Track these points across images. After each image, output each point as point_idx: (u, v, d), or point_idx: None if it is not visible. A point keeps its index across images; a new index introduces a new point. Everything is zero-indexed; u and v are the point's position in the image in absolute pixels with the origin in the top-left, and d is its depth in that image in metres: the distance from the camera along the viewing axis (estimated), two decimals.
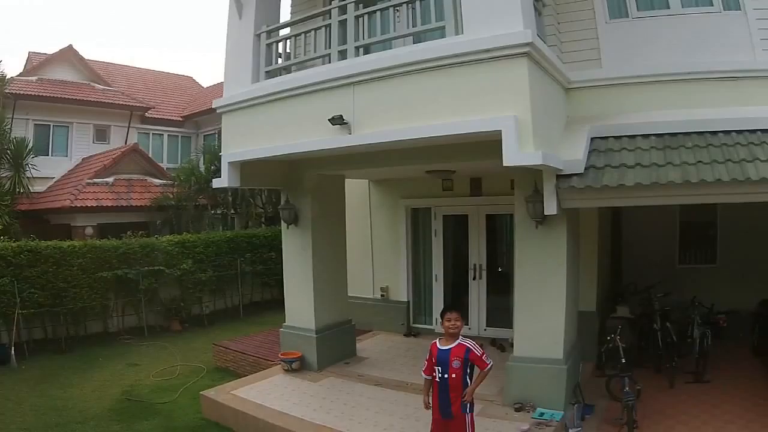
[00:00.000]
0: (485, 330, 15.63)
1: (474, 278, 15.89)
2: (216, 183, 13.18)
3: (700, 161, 9.17)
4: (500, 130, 8.40)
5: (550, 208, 9.73)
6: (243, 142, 12.09)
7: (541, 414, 10.39)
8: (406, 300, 16.98)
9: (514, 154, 8.38)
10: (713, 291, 14.07)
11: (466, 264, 16.04)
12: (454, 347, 8.19)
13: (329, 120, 10.02)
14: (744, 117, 9.97)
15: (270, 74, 11.95)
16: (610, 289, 15.34)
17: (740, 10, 10.66)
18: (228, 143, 12.54)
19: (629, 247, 16.70)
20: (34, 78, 29.76)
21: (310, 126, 10.68)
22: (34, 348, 16.59)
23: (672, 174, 9.01)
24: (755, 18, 10.50)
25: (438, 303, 16.38)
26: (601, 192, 9.38)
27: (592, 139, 10.36)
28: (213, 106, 12.97)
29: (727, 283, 14.82)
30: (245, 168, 12.36)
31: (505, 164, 8.44)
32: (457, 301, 15.86)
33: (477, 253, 15.84)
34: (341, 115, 9.97)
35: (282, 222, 13.99)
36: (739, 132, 9.84)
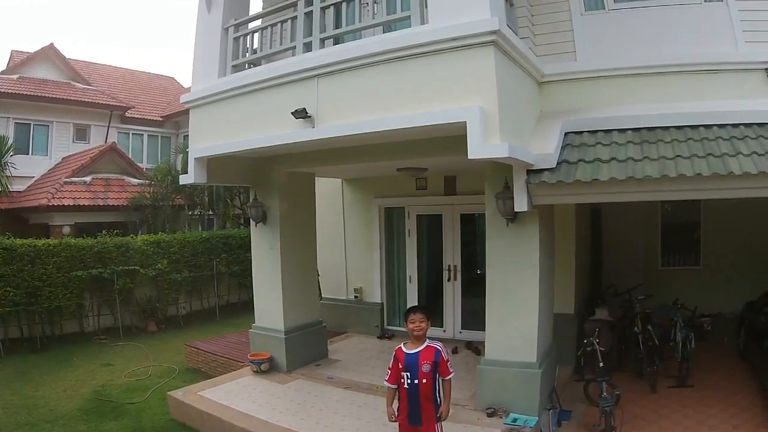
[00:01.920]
0: (460, 333, 15.30)
1: (449, 279, 15.52)
2: (182, 179, 12.85)
3: (679, 155, 8.73)
4: (465, 122, 7.99)
5: (521, 204, 9.33)
6: (208, 138, 11.72)
7: (515, 420, 9.97)
8: (380, 302, 16.63)
9: (479, 147, 7.96)
10: (697, 293, 13.77)
11: (441, 265, 15.69)
12: (423, 350, 7.70)
13: (292, 113, 9.62)
14: (726, 110, 9.56)
15: (237, 68, 11.58)
16: (589, 291, 15.01)
17: (722, 0, 10.23)
18: (195, 139, 12.19)
19: (610, 248, 16.32)
20: (15, 76, 29.47)
21: (274, 120, 10.30)
22: (9, 347, 16.35)
23: (649, 169, 8.58)
24: (737, 9, 10.07)
25: (412, 304, 15.72)
26: (573, 187, 8.92)
27: (566, 133, 9.94)
28: (181, 101, 12.61)
29: (711, 285, 14.59)
30: (212, 164, 12.01)
31: (469, 157, 8.02)
32: (431, 303, 15.62)
33: (451, 254, 15.46)
34: (304, 108, 9.58)
35: (250, 220, 13.66)
36: (721, 126, 9.42)
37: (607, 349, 11.27)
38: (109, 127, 31.80)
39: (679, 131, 9.51)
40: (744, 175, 8.05)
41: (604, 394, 9.69)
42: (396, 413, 7.86)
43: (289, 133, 10.05)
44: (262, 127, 10.64)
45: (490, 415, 10.26)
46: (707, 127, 9.48)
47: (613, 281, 14.42)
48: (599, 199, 10.00)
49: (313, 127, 9.69)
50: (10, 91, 27.86)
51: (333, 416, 10.71)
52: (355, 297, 16.70)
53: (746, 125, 9.27)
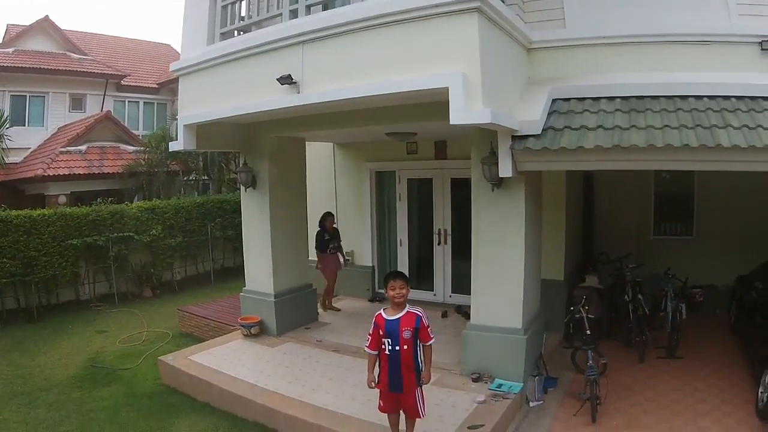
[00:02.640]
0: (450, 297, 15.40)
1: (439, 243, 15.57)
2: (172, 146, 12.85)
3: (667, 126, 8.63)
4: (447, 87, 7.94)
5: (505, 170, 9.32)
6: (197, 105, 11.67)
7: (499, 385, 10.05)
8: (371, 265, 16.71)
9: (461, 112, 7.92)
10: (690, 264, 13.75)
11: (432, 229, 15.72)
12: (403, 316, 7.70)
13: (277, 80, 9.60)
14: (717, 82, 9.39)
15: (225, 36, 11.51)
16: (580, 258, 14.99)
17: None
18: (184, 106, 12.15)
19: (602, 216, 16.24)
20: (10, 50, 29.23)
21: (260, 87, 10.23)
22: (6, 318, 16.39)
23: (636, 137, 8.50)
24: None
25: (403, 268, 15.89)
26: (558, 154, 8.86)
27: (553, 100, 9.84)
28: (170, 69, 12.56)
29: (704, 256, 14.56)
30: (201, 131, 11.98)
31: (451, 122, 7.98)
32: (421, 267, 15.67)
33: (442, 218, 15.50)
34: (290, 75, 9.55)
35: (240, 185, 13.64)
36: (711, 98, 9.27)
37: (596, 317, 11.26)
38: (104, 95, 31.59)
39: (668, 101, 9.38)
40: (733, 148, 7.96)
41: (590, 362, 9.72)
42: (377, 380, 7.90)
43: (275, 99, 9.99)
44: (248, 93, 10.57)
45: (475, 381, 10.33)
46: (697, 98, 9.33)
47: (604, 249, 14.41)
48: (585, 167, 9.96)
49: (299, 93, 9.65)
50: (5, 65, 27.67)
51: (320, 379, 10.80)
52: (347, 260, 16.65)
53: (738, 98, 9.12)
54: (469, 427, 8.80)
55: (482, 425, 8.83)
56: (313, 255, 15.31)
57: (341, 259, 15.57)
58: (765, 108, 8.69)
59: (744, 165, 8.24)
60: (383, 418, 8.44)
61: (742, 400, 9.64)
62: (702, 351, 11.95)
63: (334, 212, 16.29)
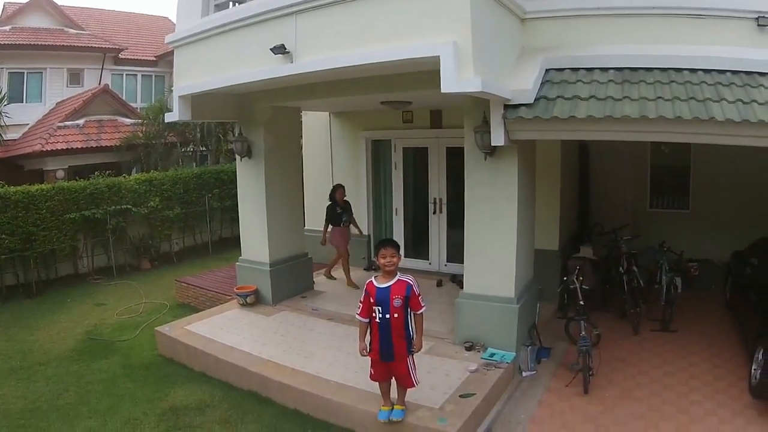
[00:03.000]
0: (445, 266, 15.41)
1: (434, 212, 15.56)
2: (168, 117, 12.91)
3: (660, 97, 8.54)
4: (438, 56, 7.92)
5: (498, 138, 9.28)
6: (192, 76, 11.67)
7: (492, 355, 10.08)
8: (366, 234, 16.66)
9: (452, 81, 7.91)
10: (685, 238, 13.69)
11: (427, 198, 15.71)
12: (393, 284, 7.71)
13: (270, 49, 9.60)
14: (712, 56, 9.26)
15: (219, 7, 11.55)
16: (575, 229, 15.01)
17: None
18: (179, 77, 12.16)
19: (597, 187, 16.18)
20: (7, 27, 29.03)
21: (254, 57, 10.21)
22: (6, 294, 16.35)
23: (628, 108, 8.43)
24: None
25: (398, 237, 16.06)
26: (550, 123, 8.82)
27: (547, 70, 9.73)
28: (165, 42, 12.59)
29: (700, 231, 14.49)
30: (196, 101, 11.98)
31: (442, 90, 7.97)
32: (417, 236, 15.66)
33: (437, 187, 15.47)
34: (283, 45, 9.55)
35: (236, 155, 13.62)
36: (706, 71, 9.13)
37: (590, 288, 11.26)
38: (102, 69, 31.40)
39: (662, 73, 9.25)
40: (726, 122, 7.87)
41: (583, 333, 9.73)
42: (368, 348, 7.92)
43: (268, 69, 9.98)
44: (242, 64, 10.57)
45: (468, 349, 10.36)
46: (692, 71, 9.19)
47: (599, 221, 14.36)
48: (577, 137, 9.89)
49: (292, 63, 9.64)
50: (3, 43, 27.51)
51: (314, 347, 10.87)
52: (362, 233, 16.58)
53: (733, 72, 8.98)
54: (460, 396, 8.82)
55: (474, 394, 8.87)
56: (312, 225, 15.34)
57: (357, 231, 15.49)
58: (760, 83, 8.57)
59: (737, 139, 8.14)
60: (376, 386, 8.47)
61: (735, 377, 9.61)
62: (696, 326, 11.91)
63: (330, 181, 16.29)
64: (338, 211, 14.68)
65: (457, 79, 7.92)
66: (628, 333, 11.74)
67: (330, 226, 14.79)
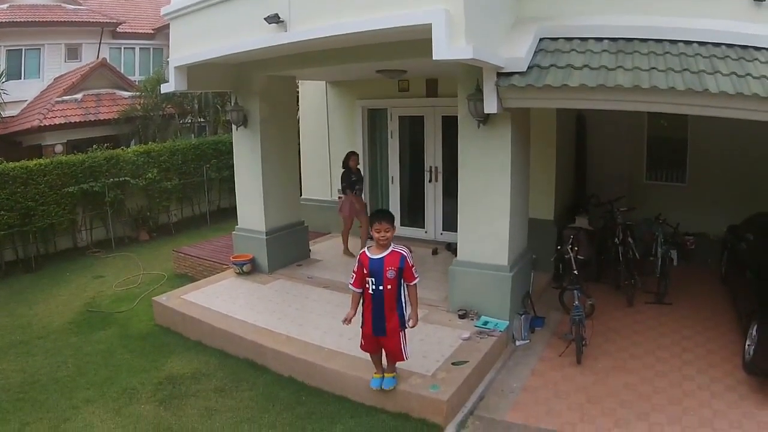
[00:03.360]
0: (441, 234, 15.42)
1: (430, 181, 15.54)
2: (164, 88, 12.95)
3: (654, 68, 8.47)
4: (430, 24, 7.87)
5: (491, 106, 9.23)
6: (188, 47, 11.63)
7: (485, 323, 10.09)
8: (363, 202, 16.45)
9: (444, 48, 7.87)
10: (682, 211, 13.55)
11: (423, 166, 15.69)
12: (387, 255, 7.70)
13: (265, 19, 9.54)
14: (708, 29, 9.14)
15: None
16: (571, 199, 14.93)
17: None
18: (175, 49, 12.11)
19: (594, 158, 16.04)
20: (5, 6, 28.66)
21: (249, 27, 10.14)
22: (5, 270, 16.32)
23: (621, 78, 8.36)
24: None
25: (394, 206, 16.11)
26: (543, 92, 8.80)
27: (541, 39, 9.65)
28: (162, 14, 12.51)
29: (697, 204, 14.38)
30: (192, 72, 11.95)
31: (434, 58, 7.93)
32: (413, 205, 15.65)
33: (433, 156, 15.44)
34: (277, 14, 9.48)
35: (232, 125, 13.62)
36: (701, 44, 9.04)
37: (585, 258, 11.24)
38: (100, 44, 31.17)
39: (657, 44, 9.16)
40: (720, 94, 7.79)
41: (576, 302, 9.72)
42: (361, 319, 7.96)
43: (262, 39, 9.97)
44: (237, 34, 10.54)
45: (461, 317, 10.37)
46: (687, 43, 9.10)
47: (596, 192, 14.33)
48: (569, 105, 9.79)
49: (286, 32, 9.61)
50: (1, 21, 27.22)
51: (308, 315, 10.92)
52: (339, 198, 16.58)
53: (728, 46, 8.88)
54: (453, 363, 8.86)
55: (466, 362, 8.90)
56: (309, 194, 15.34)
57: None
58: (755, 57, 8.47)
59: (731, 112, 8.07)
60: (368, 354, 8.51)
61: (729, 352, 9.59)
62: (692, 299, 11.85)
63: (326, 150, 16.32)
64: (353, 178, 14.43)
65: (449, 47, 7.87)
66: (622, 305, 11.72)
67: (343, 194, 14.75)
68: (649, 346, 10.05)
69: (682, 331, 10.55)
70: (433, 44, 7.89)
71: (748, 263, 10.38)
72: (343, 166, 14.56)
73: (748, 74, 8.05)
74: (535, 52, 9.37)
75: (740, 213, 12.37)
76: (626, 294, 11.82)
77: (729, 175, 14.27)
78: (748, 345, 8.79)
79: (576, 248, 10.86)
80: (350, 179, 14.36)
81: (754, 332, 8.62)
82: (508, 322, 10.08)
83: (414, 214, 16.17)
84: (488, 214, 10.17)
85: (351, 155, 14.51)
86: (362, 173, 15.05)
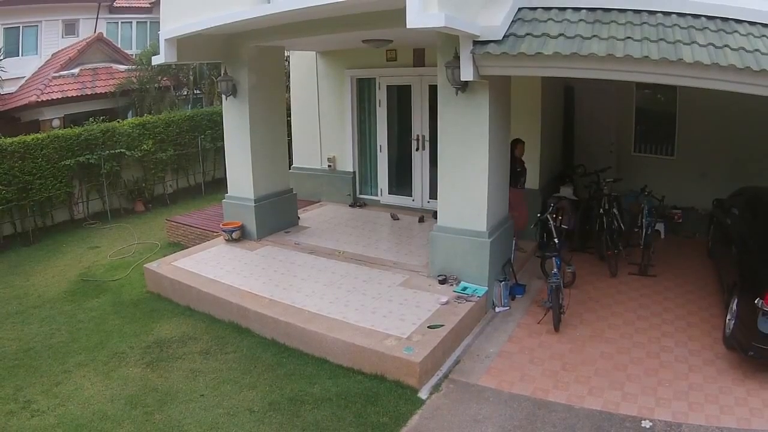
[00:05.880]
0: (428, 202, 15.39)
1: (417, 149, 15.59)
2: (154, 60, 13.01)
3: (629, 38, 8.49)
4: None
5: (467, 74, 9.29)
6: (177, 19, 11.73)
7: (464, 288, 10.20)
8: (352, 170, 16.77)
9: (417, 16, 7.94)
10: (669, 184, 13.64)
11: (410, 135, 15.72)
12: None
13: None
14: (688, 0, 9.04)
15: None
16: (558, 169, 14.99)
17: None
18: (165, 21, 12.20)
19: (582, 128, 16.07)
20: None
21: None
22: (3, 244, 16.29)
23: (596, 46, 8.41)
24: None
25: (383, 173, 16.25)
26: (518, 60, 8.85)
27: (520, 9, 9.65)
28: None
29: (685, 178, 14.42)
30: (182, 44, 12.02)
31: (408, 26, 7.99)
32: (400, 173, 15.76)
33: (420, 124, 15.47)
34: None
35: (221, 94, 13.66)
36: (680, 15, 8.98)
37: (569, 227, 11.33)
38: (97, 19, 30.91)
39: (635, 15, 9.12)
40: (695, 64, 7.82)
41: (555, 270, 9.83)
42: None
43: (247, 10, 10.18)
44: (224, 5, 10.69)
45: (441, 282, 10.49)
46: (666, 14, 9.05)
47: (583, 162, 14.32)
48: (545, 73, 9.81)
49: (269, 3, 9.83)
50: None
51: (292, 279, 11.09)
52: (329, 166, 16.88)
53: (708, 18, 8.83)
54: (429, 327, 8.99)
55: (442, 325, 9.03)
56: (300, 162, 15.55)
57: None
58: (735, 30, 8.43)
59: (708, 82, 8.09)
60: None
61: (709, 326, 9.63)
62: (676, 272, 11.88)
63: (316, 119, 16.55)
64: (517, 169, 12.29)
65: (421, 15, 7.92)
66: (605, 275, 11.78)
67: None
68: (629, 316, 10.14)
69: (664, 303, 10.62)
70: (406, 12, 7.94)
71: (732, 237, 10.42)
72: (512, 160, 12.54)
73: (726, 45, 8.05)
74: (512, 21, 9.39)
75: (728, 187, 12.35)
76: (610, 264, 11.86)
77: (717, 150, 14.17)
78: (729, 319, 8.85)
79: (559, 217, 10.93)
80: (514, 171, 12.09)
81: (735, 307, 8.67)
82: (486, 288, 10.19)
83: (401, 182, 16.19)
84: (467, 180, 10.25)
85: (517, 143, 12.21)
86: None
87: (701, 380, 8.13)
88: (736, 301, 8.68)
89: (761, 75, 7.58)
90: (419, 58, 15.10)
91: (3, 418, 8.04)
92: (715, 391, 7.87)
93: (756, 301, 7.88)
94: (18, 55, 27.16)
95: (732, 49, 7.95)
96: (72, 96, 24.11)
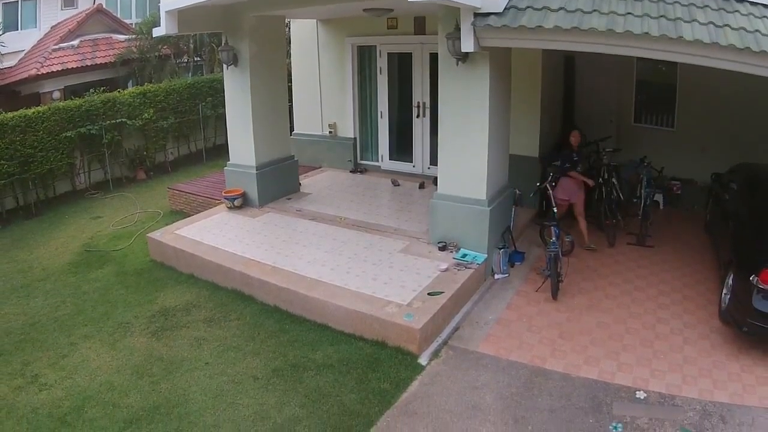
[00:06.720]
0: (429, 168, 15.40)
1: (418, 116, 15.58)
2: (155, 32, 13.00)
3: (630, 13, 8.41)
4: None
5: (468, 45, 9.30)
6: None
7: (464, 255, 10.28)
8: (353, 137, 16.78)
9: None
10: (669, 156, 13.63)
11: (411, 102, 15.70)
12: None
13: None
14: None
15: None
16: (558, 138, 14.83)
17: None
18: None
19: (582, 98, 15.98)
20: None
21: None
22: (6, 218, 16.26)
23: (596, 21, 8.37)
24: None
25: (383, 140, 16.29)
26: (518, 32, 8.86)
27: None
28: None
29: (685, 151, 14.32)
30: (182, 15, 11.95)
31: None
32: (401, 139, 15.84)
33: (420, 92, 15.45)
34: None
35: (222, 64, 13.67)
36: None
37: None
38: None
39: None
40: (695, 42, 7.80)
41: (553, 238, 9.89)
42: None
43: None
44: None
45: (441, 249, 10.57)
46: None
47: (583, 131, 14.25)
48: (545, 46, 9.76)
49: None
50: None
51: (294, 246, 11.18)
52: (330, 132, 16.89)
53: None
54: (429, 294, 9.09)
55: (442, 292, 9.13)
56: (301, 129, 15.94)
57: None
58: (736, 9, 8.36)
59: (707, 60, 8.07)
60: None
61: (705, 300, 9.66)
62: (674, 244, 11.89)
63: (317, 86, 16.57)
64: (574, 158, 11.76)
65: None
66: (603, 244, 11.82)
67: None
68: (626, 287, 10.21)
69: (661, 274, 10.66)
70: None
71: (729, 213, 10.42)
72: (562, 146, 12.68)
73: (727, 25, 8.00)
74: None
75: (727, 161, 12.27)
76: (608, 234, 11.91)
77: (718, 123, 14.06)
78: (725, 294, 8.88)
79: (556, 185, 10.98)
80: (572, 158, 11.71)
81: (731, 282, 8.70)
82: (486, 256, 10.27)
83: (402, 148, 16.22)
84: (467, 150, 10.30)
85: (572, 131, 12.01)
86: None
87: (696, 353, 8.21)
88: (731, 276, 8.72)
89: (761, 56, 7.56)
90: (420, 26, 15.00)
91: (11, 393, 8.16)
92: (709, 365, 7.95)
93: (751, 278, 7.93)
94: (17, 29, 26.97)
95: (732, 29, 7.91)
96: (72, 68, 23.94)
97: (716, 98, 13.74)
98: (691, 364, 7.96)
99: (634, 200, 12.18)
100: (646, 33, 8.01)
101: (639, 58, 13.40)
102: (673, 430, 6.73)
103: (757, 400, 7.18)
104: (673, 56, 8.37)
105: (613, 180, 12.17)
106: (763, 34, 7.74)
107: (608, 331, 8.85)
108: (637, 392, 7.41)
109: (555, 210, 10.48)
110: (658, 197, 13.16)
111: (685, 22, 8.13)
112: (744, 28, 7.88)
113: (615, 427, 6.83)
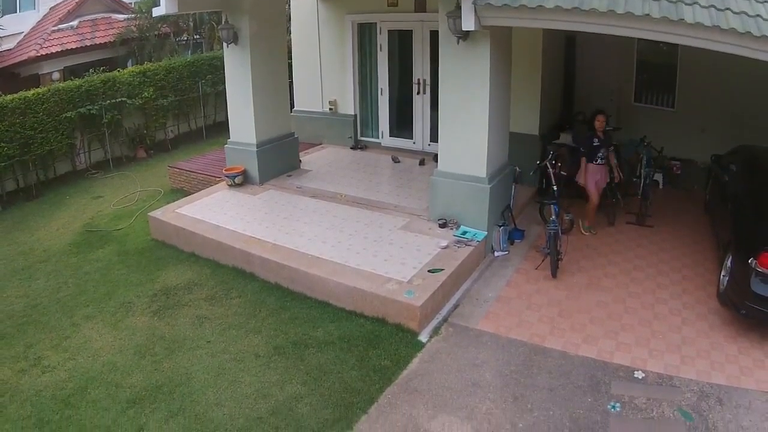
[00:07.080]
0: (429, 145, 15.37)
1: (418, 93, 15.52)
2: (155, 11, 12.95)
3: None
4: None
5: (468, 24, 9.28)
6: None
7: (464, 233, 10.31)
8: (353, 113, 16.74)
9: None
10: (669, 136, 13.52)
11: (412, 79, 15.64)
12: None
13: None
14: None
15: None
16: (559, 116, 14.92)
17: None
18: None
19: (583, 77, 15.84)
20: None
21: None
22: (7, 200, 16.19)
23: (597, 2, 8.35)
24: None
25: (384, 117, 16.24)
26: (519, 11, 8.83)
27: None
28: None
29: (685, 131, 14.17)
30: None
31: None
32: (401, 116, 15.78)
33: (421, 69, 15.38)
34: None
35: (223, 42, 13.62)
36: None
37: (567, 174, 11.28)
38: None
39: None
40: (696, 25, 7.76)
41: (553, 217, 9.90)
42: None
43: None
44: None
45: (441, 227, 10.61)
46: None
47: (583, 109, 14.11)
48: (546, 26, 9.73)
49: None
50: None
51: (295, 223, 11.20)
52: (330, 109, 16.85)
53: None
54: (429, 271, 9.13)
55: (442, 269, 9.18)
56: (301, 106, 15.94)
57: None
58: None
59: (707, 43, 8.04)
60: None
61: (704, 281, 9.67)
62: (673, 224, 11.88)
63: (317, 63, 16.51)
64: (594, 143, 11.16)
65: None
66: (603, 223, 11.82)
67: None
68: (626, 266, 10.24)
69: (660, 254, 10.68)
70: None
71: (729, 195, 10.38)
72: (586, 128, 11.97)
73: (728, 9, 7.94)
74: None
75: (727, 142, 12.22)
76: (608, 213, 11.90)
77: (718, 104, 13.90)
78: (723, 275, 8.88)
79: (558, 164, 10.95)
80: (592, 143, 11.17)
81: (730, 264, 8.68)
82: (486, 233, 10.31)
83: (402, 125, 16.18)
84: (467, 128, 10.31)
85: (597, 115, 11.24)
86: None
87: (694, 334, 8.25)
88: (730, 258, 8.70)
89: (762, 41, 7.52)
90: (420, 3, 14.89)
91: (15, 377, 8.21)
92: (707, 346, 7.98)
93: (750, 261, 7.95)
94: (16, 12, 26.85)
95: (734, 13, 7.87)
96: (71, 48, 23.82)
97: (717, 79, 13.58)
98: (690, 345, 7.99)
99: (634, 179, 12.18)
100: (647, 14, 7.99)
101: (640, 38, 13.40)
102: (671, 411, 6.77)
103: (755, 384, 7.20)
104: (674, 38, 8.35)
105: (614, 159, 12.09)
106: (765, 19, 7.69)
107: (607, 310, 8.89)
108: (636, 372, 7.46)
109: (555, 188, 10.46)
110: (658, 177, 13.14)
111: (687, 4, 8.08)
112: (745, 12, 7.83)
113: (613, 407, 6.88)
